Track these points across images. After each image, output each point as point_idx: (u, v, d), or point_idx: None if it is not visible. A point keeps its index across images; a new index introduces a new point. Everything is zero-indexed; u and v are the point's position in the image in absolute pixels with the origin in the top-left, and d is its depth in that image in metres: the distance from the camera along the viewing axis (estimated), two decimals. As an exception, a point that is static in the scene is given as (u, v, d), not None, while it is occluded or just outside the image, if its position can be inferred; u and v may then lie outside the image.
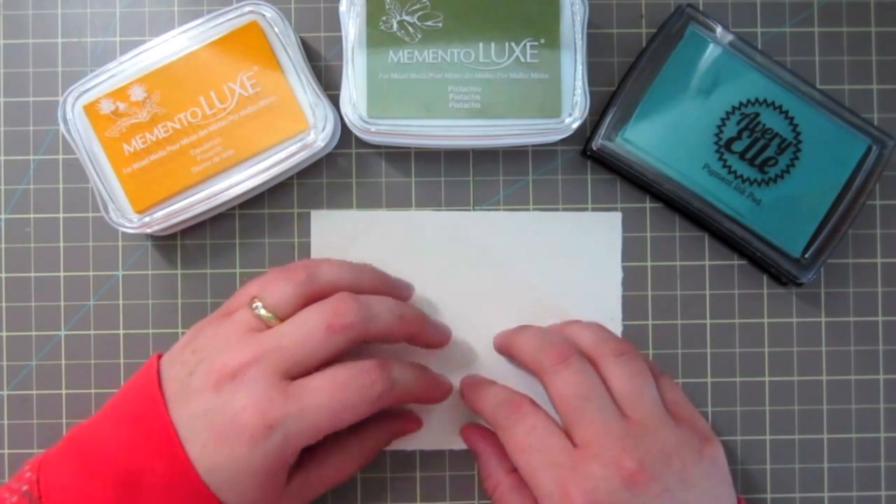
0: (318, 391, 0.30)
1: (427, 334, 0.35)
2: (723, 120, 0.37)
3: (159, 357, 0.33)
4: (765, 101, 0.37)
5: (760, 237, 0.37)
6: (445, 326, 0.37)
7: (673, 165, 0.37)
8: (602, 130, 0.37)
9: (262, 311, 0.32)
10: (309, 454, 0.34)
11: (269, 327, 0.32)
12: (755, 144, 0.37)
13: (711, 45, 0.37)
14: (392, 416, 0.37)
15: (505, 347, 0.37)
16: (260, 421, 0.29)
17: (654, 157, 0.37)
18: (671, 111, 0.37)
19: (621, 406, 0.32)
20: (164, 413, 0.30)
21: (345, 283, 0.33)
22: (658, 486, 0.30)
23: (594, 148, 0.37)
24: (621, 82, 0.38)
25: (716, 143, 0.37)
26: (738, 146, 0.37)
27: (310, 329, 0.31)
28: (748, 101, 0.37)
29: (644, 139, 0.37)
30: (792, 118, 0.37)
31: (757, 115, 0.37)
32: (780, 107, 0.37)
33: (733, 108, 0.37)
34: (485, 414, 0.35)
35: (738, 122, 0.37)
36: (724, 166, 0.37)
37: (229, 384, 0.30)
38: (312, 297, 0.32)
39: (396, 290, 0.36)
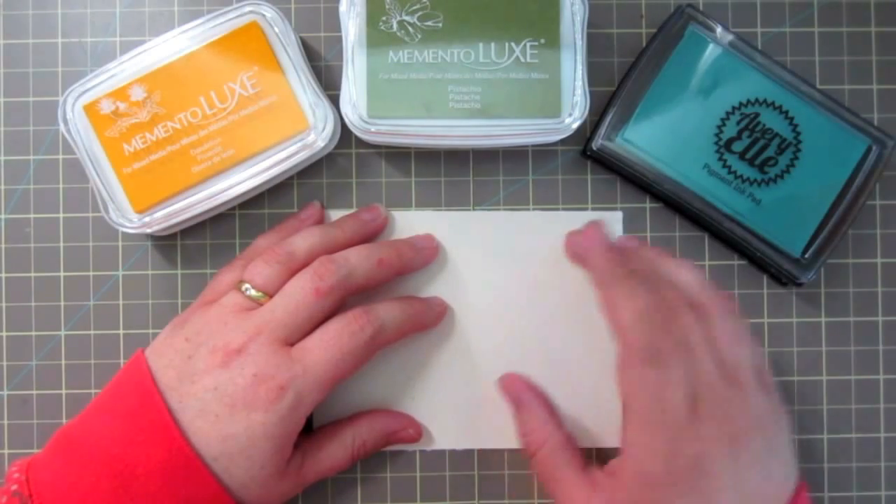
0: (315, 349, 0.33)
1: (411, 263, 0.37)
2: (723, 120, 0.37)
3: (143, 350, 0.34)
4: (765, 101, 0.37)
5: (760, 237, 0.37)
6: (425, 239, 0.38)
7: (673, 165, 0.37)
8: (602, 130, 0.37)
9: (253, 292, 0.34)
10: (307, 440, 0.35)
11: (260, 305, 0.33)
12: (755, 144, 0.37)
13: (711, 45, 0.37)
14: (390, 414, 0.38)
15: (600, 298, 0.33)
16: (273, 385, 0.31)
17: (654, 157, 0.37)
18: (671, 111, 0.37)
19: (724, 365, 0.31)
20: (160, 402, 0.31)
21: (320, 247, 0.35)
22: (757, 443, 0.30)
23: (594, 148, 0.37)
24: (621, 82, 0.38)
25: (716, 143, 0.37)
26: (738, 146, 0.37)
27: (299, 298, 0.33)
28: (748, 101, 0.37)
29: (644, 139, 0.37)
30: (792, 118, 0.37)
31: (757, 115, 0.37)
32: (780, 107, 0.37)
33: (733, 108, 0.37)
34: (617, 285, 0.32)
35: (738, 122, 0.37)
36: (724, 166, 0.37)
37: (236, 359, 0.32)
38: (294, 270, 0.34)
39: (369, 227, 0.38)
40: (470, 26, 0.36)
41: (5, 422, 0.38)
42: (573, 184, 0.39)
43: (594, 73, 0.38)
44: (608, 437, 0.38)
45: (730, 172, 0.37)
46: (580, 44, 0.36)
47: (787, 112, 0.37)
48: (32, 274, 0.39)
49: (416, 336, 0.38)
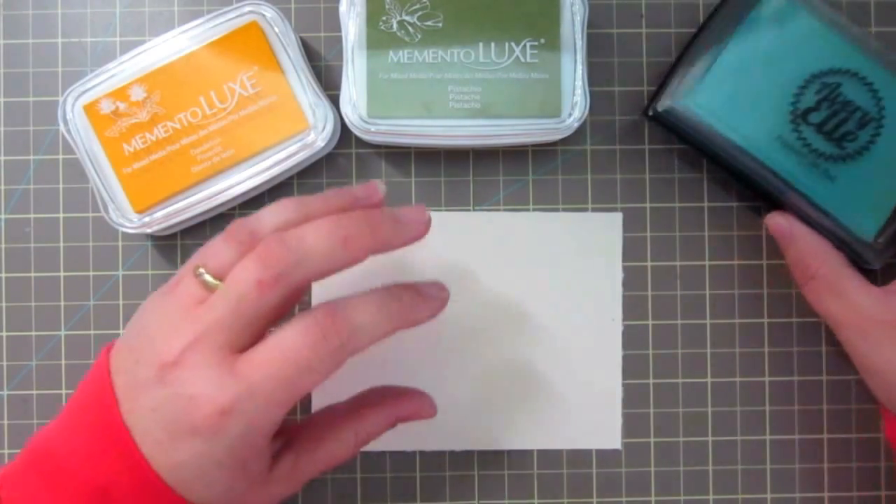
0: (263, 363, 0.27)
1: (389, 240, 0.29)
2: (801, 88, 0.34)
3: (110, 348, 0.29)
4: (848, 70, 0.34)
5: (831, 216, 0.34)
6: (413, 211, 0.30)
7: (743, 133, 0.34)
8: (668, 90, 0.34)
9: (208, 278, 0.28)
10: (301, 436, 0.31)
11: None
12: (834, 117, 0.34)
13: (794, 7, 0.34)
14: (397, 396, 0.34)
15: None
16: (212, 410, 0.26)
17: (724, 123, 0.34)
18: (745, 76, 0.34)
19: None
20: (116, 414, 0.27)
21: (292, 225, 0.28)
22: None
23: (659, 109, 0.35)
24: (692, 41, 0.35)
25: (791, 112, 0.34)
26: (815, 118, 0.34)
27: (241, 293, 0.27)
28: (830, 70, 0.34)
29: (713, 103, 0.34)
30: (876, 91, 0.34)
31: (838, 84, 0.34)
32: (864, 78, 0.34)
33: (812, 76, 0.34)
34: None
35: (818, 92, 0.34)
36: (799, 138, 0.34)
37: (173, 372, 0.27)
38: None
39: (360, 207, 0.30)
40: (470, 26, 0.36)
41: (5, 422, 0.38)
42: (573, 184, 0.39)
43: (594, 73, 0.38)
44: (609, 437, 0.38)
45: (804, 145, 0.34)
46: (580, 44, 0.36)
47: (871, 84, 0.34)
48: (32, 274, 0.39)
49: (414, 336, 0.37)
